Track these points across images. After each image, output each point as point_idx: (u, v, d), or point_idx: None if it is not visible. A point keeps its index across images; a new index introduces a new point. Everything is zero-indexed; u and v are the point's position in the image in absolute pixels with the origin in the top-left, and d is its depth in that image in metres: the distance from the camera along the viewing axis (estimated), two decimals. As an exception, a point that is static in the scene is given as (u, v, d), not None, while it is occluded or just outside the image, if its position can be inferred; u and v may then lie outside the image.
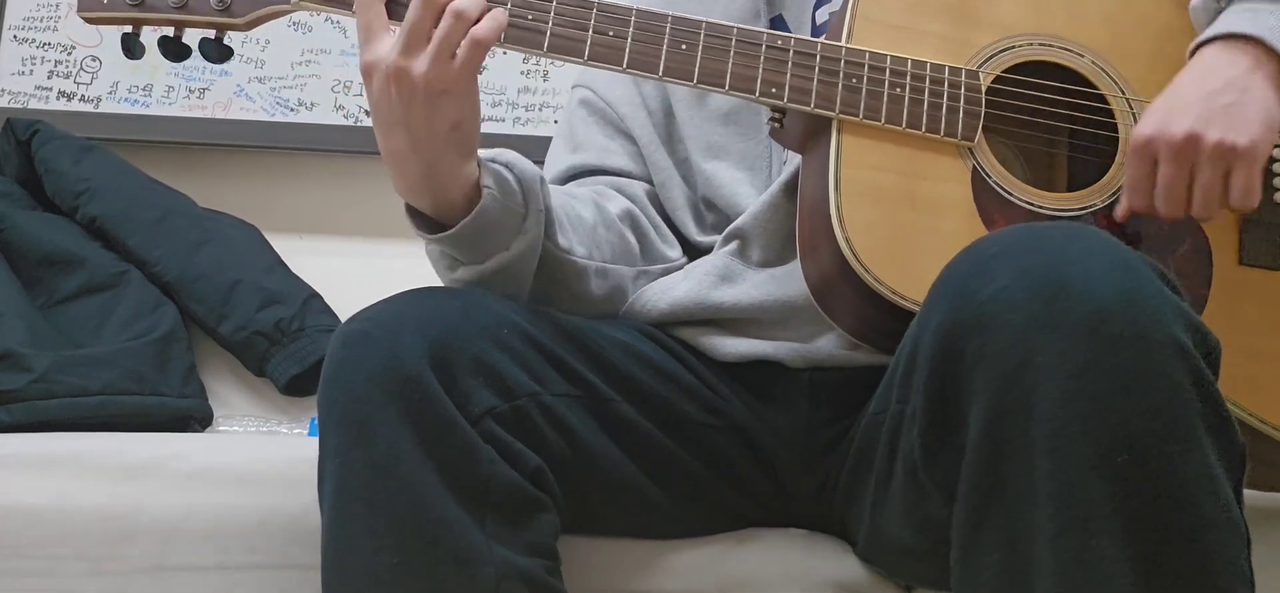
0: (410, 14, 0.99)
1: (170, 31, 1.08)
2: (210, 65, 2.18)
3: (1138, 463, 0.79)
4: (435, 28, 0.99)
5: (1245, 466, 0.85)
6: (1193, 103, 1.00)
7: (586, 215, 1.19)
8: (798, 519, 1.18)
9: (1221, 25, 1.03)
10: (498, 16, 1.01)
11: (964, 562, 0.87)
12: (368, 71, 1.01)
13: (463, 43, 0.99)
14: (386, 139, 1.03)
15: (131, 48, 1.08)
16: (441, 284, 1.07)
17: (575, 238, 1.16)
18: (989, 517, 0.85)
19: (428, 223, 1.08)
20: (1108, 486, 0.79)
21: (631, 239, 1.23)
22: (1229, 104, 1.00)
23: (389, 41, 1.00)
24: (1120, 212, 1.05)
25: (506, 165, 1.08)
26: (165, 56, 1.09)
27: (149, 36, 1.09)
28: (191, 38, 1.09)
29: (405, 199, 1.07)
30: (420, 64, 0.98)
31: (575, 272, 1.15)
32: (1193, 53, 1.05)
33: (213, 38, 1.09)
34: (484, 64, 1.03)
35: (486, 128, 1.06)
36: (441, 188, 1.04)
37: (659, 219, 1.28)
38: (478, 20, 1.00)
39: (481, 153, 1.07)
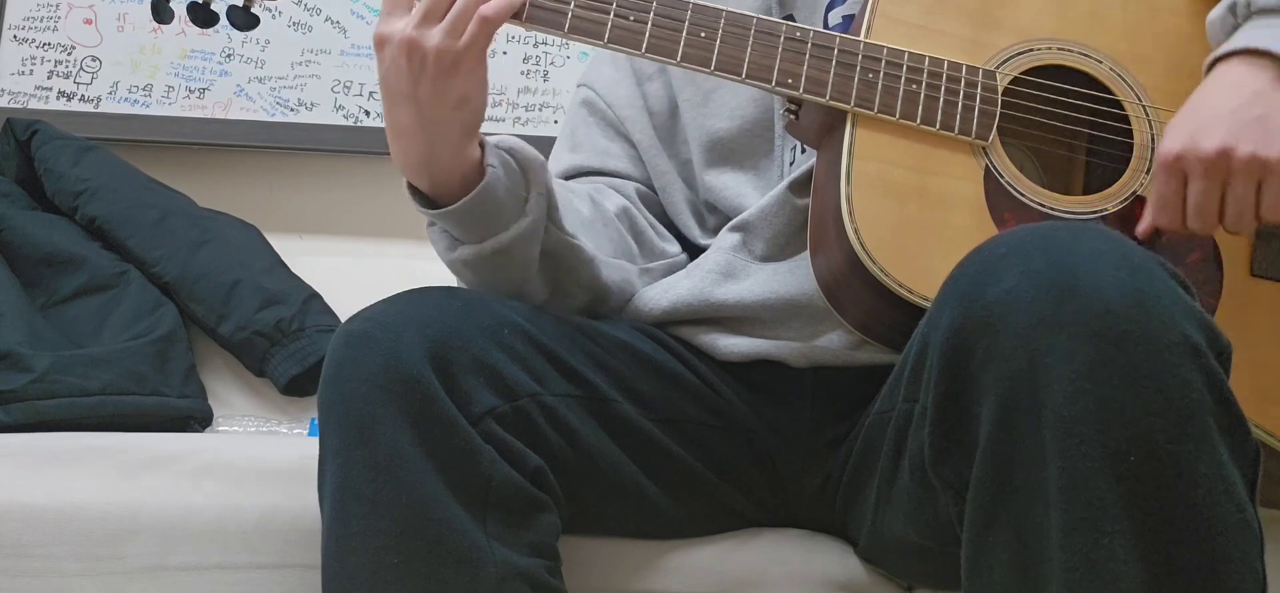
0: None
1: None
2: (210, 65, 2.20)
3: (1148, 463, 0.79)
4: (451, 5, 1.00)
5: (1259, 465, 0.84)
6: (1221, 117, 0.98)
7: (583, 210, 1.20)
8: (799, 519, 1.18)
9: (1240, 40, 1.02)
10: None
11: (974, 561, 0.87)
12: (381, 43, 1.02)
13: (471, 19, 1.00)
14: (392, 112, 1.04)
15: (161, 12, 1.10)
16: (442, 283, 1.07)
17: (577, 228, 1.16)
18: (1000, 516, 0.84)
19: (428, 204, 1.08)
20: (1118, 486, 0.79)
21: (628, 237, 1.23)
22: (1257, 117, 0.98)
23: (406, 19, 1.02)
24: (1144, 228, 1.04)
25: (510, 150, 1.09)
26: (193, 22, 1.10)
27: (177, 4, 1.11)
28: (220, 4, 1.10)
29: (406, 176, 1.08)
30: (433, 37, 1.00)
31: (583, 257, 1.15)
32: (1211, 67, 1.03)
33: (241, 5, 1.10)
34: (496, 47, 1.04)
35: (486, 127, 1.07)
36: (442, 166, 1.05)
37: (653, 218, 1.28)
38: None
39: (486, 138, 1.08)
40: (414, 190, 1.08)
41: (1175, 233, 1.03)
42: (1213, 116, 0.99)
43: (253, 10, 1.10)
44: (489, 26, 1.01)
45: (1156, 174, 1.01)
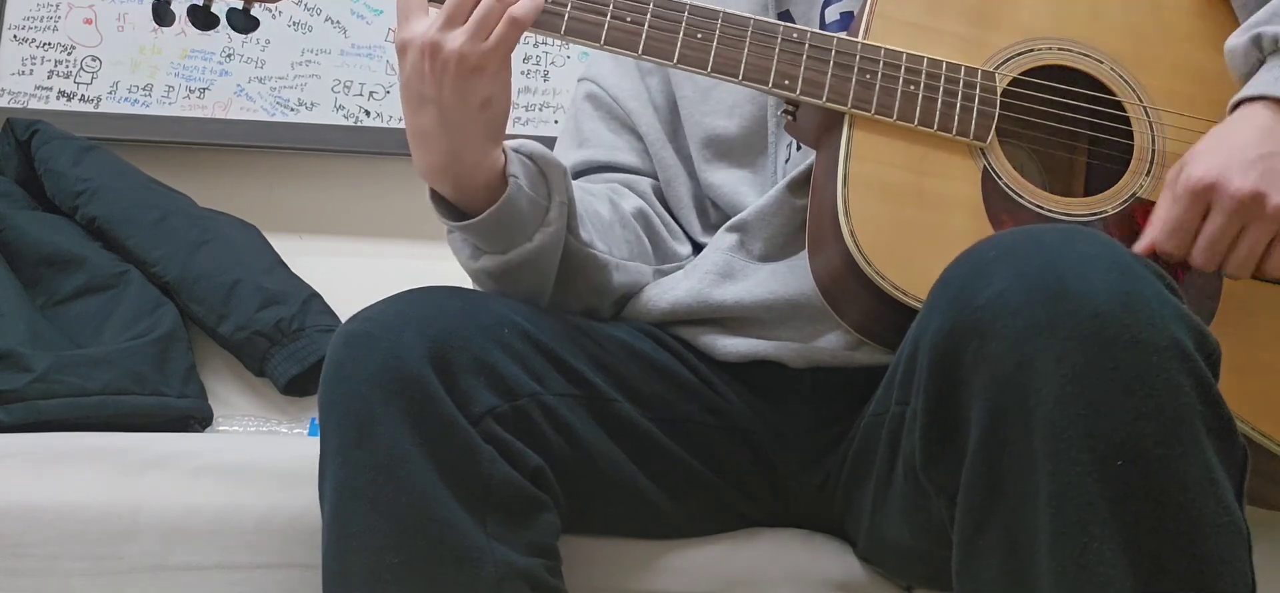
0: None
1: (200, 0, 1.09)
2: (210, 65, 2.20)
3: (1137, 467, 0.79)
4: (475, 7, 0.99)
5: (1247, 468, 0.84)
6: (1253, 161, 0.97)
7: (603, 212, 1.20)
8: (798, 519, 1.18)
9: (1267, 86, 1.00)
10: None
11: (965, 565, 0.87)
12: (403, 48, 1.01)
13: (500, 21, 1.00)
14: (415, 117, 1.03)
15: (162, 15, 1.09)
16: (442, 283, 1.07)
17: (594, 233, 1.16)
18: (990, 520, 0.84)
19: (451, 211, 1.08)
20: (1106, 489, 0.79)
21: (645, 239, 1.23)
22: None
23: (426, 21, 1.01)
24: (1143, 246, 1.02)
25: (531, 156, 1.09)
26: (194, 25, 1.09)
27: (177, 6, 1.10)
28: (220, 7, 1.10)
29: (428, 182, 1.07)
30: (455, 39, 0.99)
31: (597, 265, 1.15)
32: (1238, 105, 1.02)
33: (241, 7, 1.10)
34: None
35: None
36: (466, 172, 1.05)
37: (668, 216, 1.28)
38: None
39: (506, 144, 1.08)
40: (437, 200, 1.08)
41: (1172, 259, 1.01)
42: (1244, 159, 0.97)
43: (252, 12, 1.10)
44: (518, 28, 1.00)
45: (1179, 198, 0.99)
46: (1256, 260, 0.99)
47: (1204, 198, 0.98)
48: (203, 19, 1.09)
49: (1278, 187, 0.97)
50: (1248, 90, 1.01)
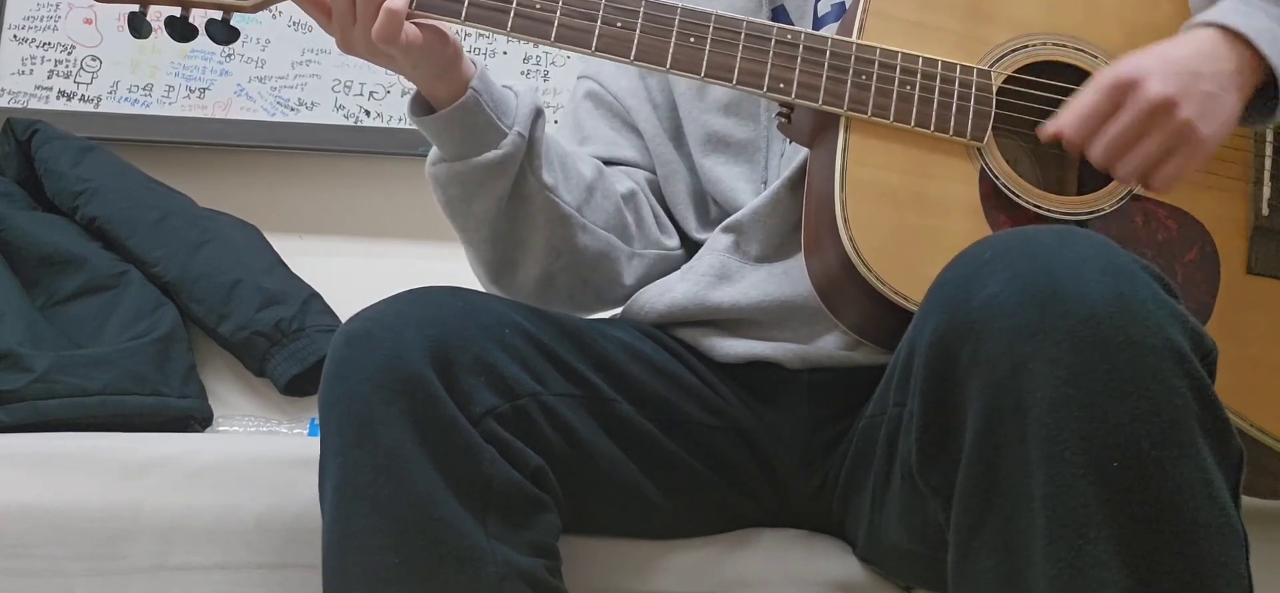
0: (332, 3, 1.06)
1: (177, 11, 1.09)
2: (210, 65, 2.20)
3: (1132, 469, 0.79)
4: (350, 8, 1.05)
5: (1243, 468, 0.84)
6: (1180, 73, 0.98)
7: (586, 173, 1.21)
8: (797, 520, 1.18)
9: (1219, 15, 1.02)
10: None
11: (961, 567, 0.86)
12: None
13: (378, 17, 1.04)
14: None
15: (139, 27, 1.09)
16: (444, 283, 1.07)
17: (564, 185, 1.18)
18: (985, 522, 0.84)
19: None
20: (1101, 492, 0.79)
21: (628, 217, 1.24)
22: (1209, 93, 0.99)
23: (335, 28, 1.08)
24: (1047, 131, 1.02)
25: (511, 88, 1.14)
26: (172, 37, 1.09)
27: (155, 17, 1.10)
28: (198, 18, 1.10)
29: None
30: (357, 45, 1.07)
31: (558, 215, 1.17)
32: (1187, 31, 1.03)
33: (219, 19, 1.10)
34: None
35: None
36: (434, 93, 1.12)
37: (660, 208, 1.29)
38: None
39: (512, 82, 1.16)
40: (418, 104, 1.14)
41: (1071, 150, 1.01)
42: (1172, 68, 0.99)
43: (232, 24, 1.10)
44: (391, 18, 1.03)
45: (1097, 89, 1.00)
46: (1149, 168, 0.99)
47: (1120, 93, 0.99)
48: (180, 30, 1.09)
49: (1192, 102, 0.98)
50: (1198, 17, 1.03)
